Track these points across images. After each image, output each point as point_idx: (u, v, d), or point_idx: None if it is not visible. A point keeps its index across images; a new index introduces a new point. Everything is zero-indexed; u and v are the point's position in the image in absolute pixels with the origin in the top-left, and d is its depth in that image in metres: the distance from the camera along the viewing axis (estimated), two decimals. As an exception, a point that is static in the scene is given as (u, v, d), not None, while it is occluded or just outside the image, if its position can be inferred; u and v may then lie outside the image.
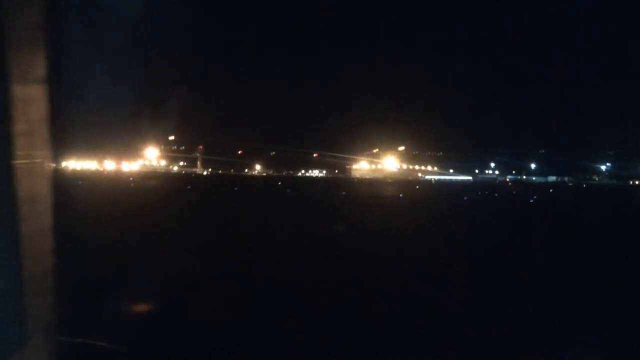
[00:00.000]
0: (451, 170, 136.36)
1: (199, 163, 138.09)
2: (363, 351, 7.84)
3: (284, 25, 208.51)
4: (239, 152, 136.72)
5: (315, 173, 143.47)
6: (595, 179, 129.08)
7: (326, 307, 10.08)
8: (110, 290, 9.89)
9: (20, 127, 3.30)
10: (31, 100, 3.38)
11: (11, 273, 3.32)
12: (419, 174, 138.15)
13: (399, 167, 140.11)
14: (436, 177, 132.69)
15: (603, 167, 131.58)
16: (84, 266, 10.78)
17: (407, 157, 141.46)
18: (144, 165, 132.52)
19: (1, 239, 3.28)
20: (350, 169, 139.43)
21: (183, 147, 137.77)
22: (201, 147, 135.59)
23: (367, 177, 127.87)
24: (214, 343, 7.81)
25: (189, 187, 61.45)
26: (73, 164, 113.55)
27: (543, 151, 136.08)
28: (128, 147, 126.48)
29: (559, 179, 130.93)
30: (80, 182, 50.96)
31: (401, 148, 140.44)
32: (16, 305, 3.34)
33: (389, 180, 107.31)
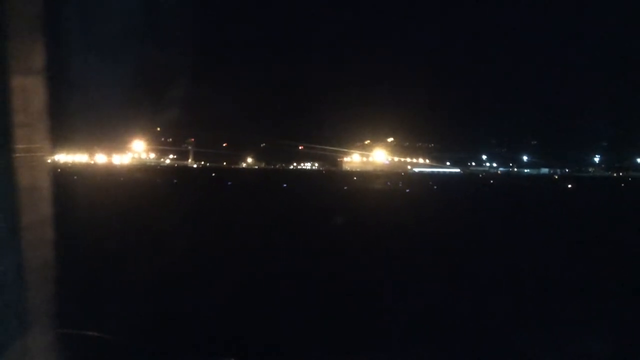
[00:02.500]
0: (448, 163, 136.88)
1: (190, 156, 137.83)
2: (356, 346, 7.91)
3: (274, 19, 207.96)
4: (224, 145, 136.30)
5: (307, 166, 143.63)
6: (589, 171, 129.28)
7: (320, 300, 10.17)
8: (109, 282, 9.91)
9: (20, 119, 3.32)
10: (30, 92, 3.39)
11: (11, 264, 3.34)
12: (411, 167, 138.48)
13: (390, 159, 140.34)
14: (428, 170, 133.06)
15: (597, 159, 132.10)
16: (83, 258, 10.84)
17: (399, 149, 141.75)
18: (135, 158, 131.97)
19: (1, 230, 3.30)
20: (341, 162, 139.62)
21: (173, 140, 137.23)
22: (193, 139, 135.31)
23: (358, 170, 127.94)
24: (212, 335, 7.87)
25: (183, 179, 61.52)
26: (64, 157, 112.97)
27: (535, 142, 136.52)
28: (118, 140, 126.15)
29: (551, 171, 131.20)
30: (75, 176, 50.77)
31: (390, 139, 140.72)
32: (16, 296, 3.36)
33: (380, 173, 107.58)
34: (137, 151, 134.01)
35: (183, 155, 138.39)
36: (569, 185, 73.72)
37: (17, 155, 3.30)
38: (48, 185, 3.47)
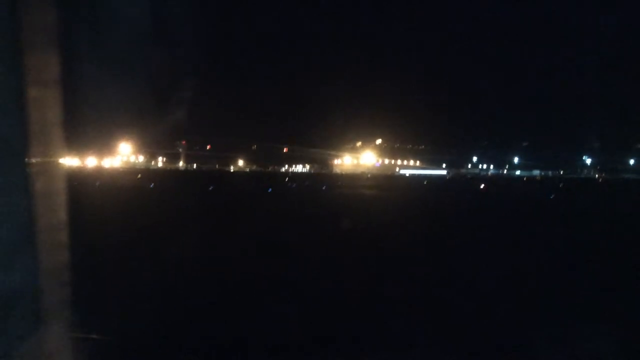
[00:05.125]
0: (444, 165, 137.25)
1: (182, 158, 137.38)
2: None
3: (264, 22, 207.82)
4: (214, 147, 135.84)
5: (298, 168, 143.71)
6: (583, 173, 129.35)
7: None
8: (119, 285, 9.94)
9: (35, 128, 3.42)
10: (45, 102, 3.48)
11: (26, 267, 3.42)
12: (400, 169, 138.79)
13: (380, 161, 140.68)
14: (418, 172, 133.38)
15: (589, 161, 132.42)
16: (97, 261, 10.93)
17: (389, 151, 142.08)
18: (124, 161, 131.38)
19: (18, 235, 3.39)
20: (332, 164, 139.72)
21: (163, 143, 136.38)
22: (184, 142, 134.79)
23: (348, 172, 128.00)
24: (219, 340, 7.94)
25: (179, 182, 61.71)
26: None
27: (526, 144, 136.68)
28: (109, 144, 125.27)
29: (542, 173, 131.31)
30: (82, 180, 50.64)
31: (380, 141, 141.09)
32: (32, 298, 3.44)
33: (369, 176, 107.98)
34: (127, 154, 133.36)
35: (174, 157, 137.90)
36: (556, 186, 74.30)
37: (33, 161, 3.40)
38: (62, 191, 3.56)
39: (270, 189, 52.96)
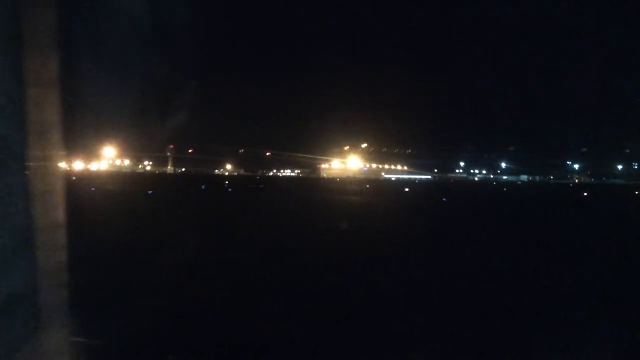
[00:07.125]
0: (435, 170, 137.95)
1: (169, 162, 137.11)
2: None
3: (252, 27, 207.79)
4: (195, 151, 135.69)
5: (286, 172, 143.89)
6: (573, 178, 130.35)
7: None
8: (117, 289, 9.89)
9: (34, 129, 3.42)
10: (44, 102, 3.49)
11: (25, 268, 3.42)
12: (389, 174, 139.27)
13: (368, 166, 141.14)
14: (404, 176, 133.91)
15: (576, 166, 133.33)
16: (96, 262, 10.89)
17: (377, 155, 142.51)
18: (111, 164, 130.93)
19: (16, 237, 3.39)
20: (319, 169, 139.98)
21: (151, 147, 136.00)
22: (172, 146, 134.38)
23: (336, 176, 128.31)
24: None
25: (170, 185, 61.62)
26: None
27: (513, 149, 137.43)
28: (97, 147, 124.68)
29: (530, 178, 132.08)
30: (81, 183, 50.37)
31: (367, 146, 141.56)
32: (31, 301, 3.44)
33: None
34: (117, 157, 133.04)
35: (163, 161, 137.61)
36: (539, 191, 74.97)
37: (32, 163, 3.40)
38: (61, 192, 3.57)
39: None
